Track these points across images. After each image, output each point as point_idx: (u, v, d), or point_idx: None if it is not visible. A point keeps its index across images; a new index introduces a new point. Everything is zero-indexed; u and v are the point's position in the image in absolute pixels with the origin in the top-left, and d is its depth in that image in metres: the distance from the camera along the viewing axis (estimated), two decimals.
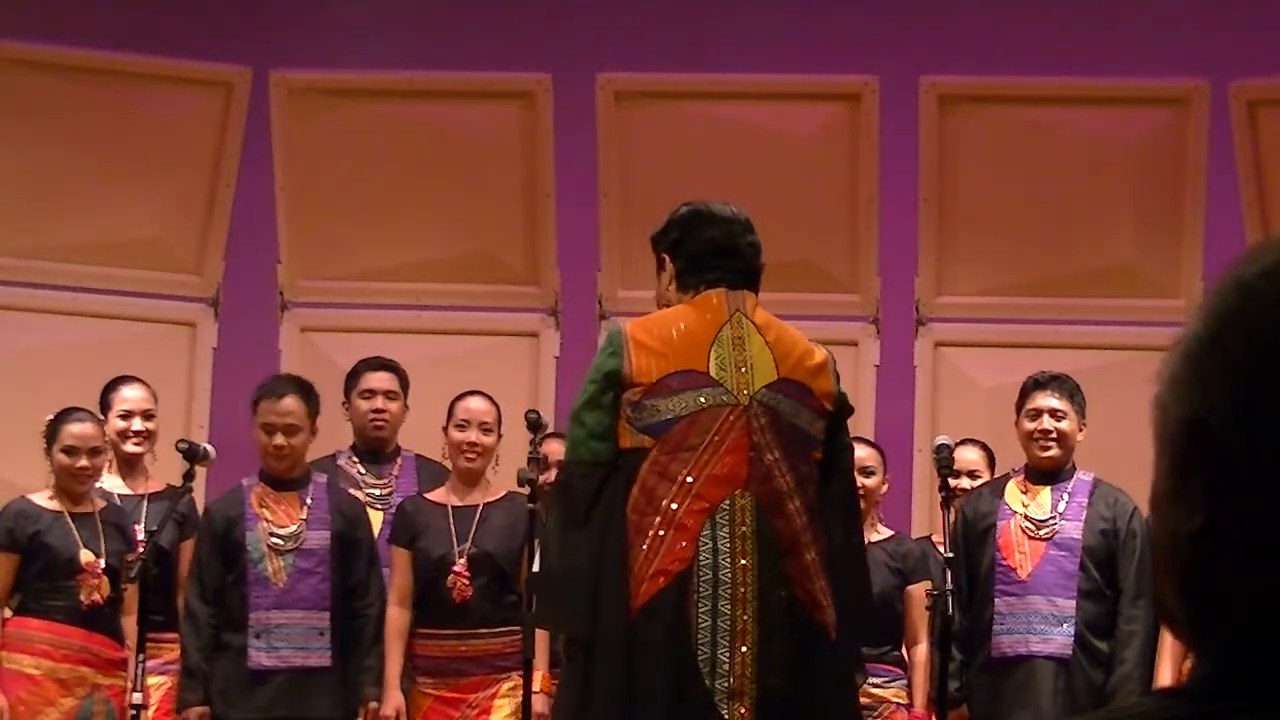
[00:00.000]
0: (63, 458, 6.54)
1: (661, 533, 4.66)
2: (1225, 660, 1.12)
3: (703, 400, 4.76)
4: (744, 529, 4.68)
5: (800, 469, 4.77)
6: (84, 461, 6.54)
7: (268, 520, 6.49)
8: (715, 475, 4.70)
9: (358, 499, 6.85)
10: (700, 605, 4.63)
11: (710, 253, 4.95)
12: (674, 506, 4.67)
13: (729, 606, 4.64)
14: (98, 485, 6.71)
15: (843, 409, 4.95)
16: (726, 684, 4.60)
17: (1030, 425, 6.58)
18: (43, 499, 6.59)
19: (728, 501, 4.69)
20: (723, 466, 4.71)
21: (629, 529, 4.69)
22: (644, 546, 4.66)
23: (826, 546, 4.77)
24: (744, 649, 4.62)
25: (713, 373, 4.79)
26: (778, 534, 4.69)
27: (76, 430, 6.56)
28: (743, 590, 4.65)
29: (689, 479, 4.69)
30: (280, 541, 6.47)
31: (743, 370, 4.80)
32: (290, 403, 6.59)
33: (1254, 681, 1.11)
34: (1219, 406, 1.12)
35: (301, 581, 6.44)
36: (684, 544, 4.65)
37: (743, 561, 4.66)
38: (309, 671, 6.40)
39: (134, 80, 8.61)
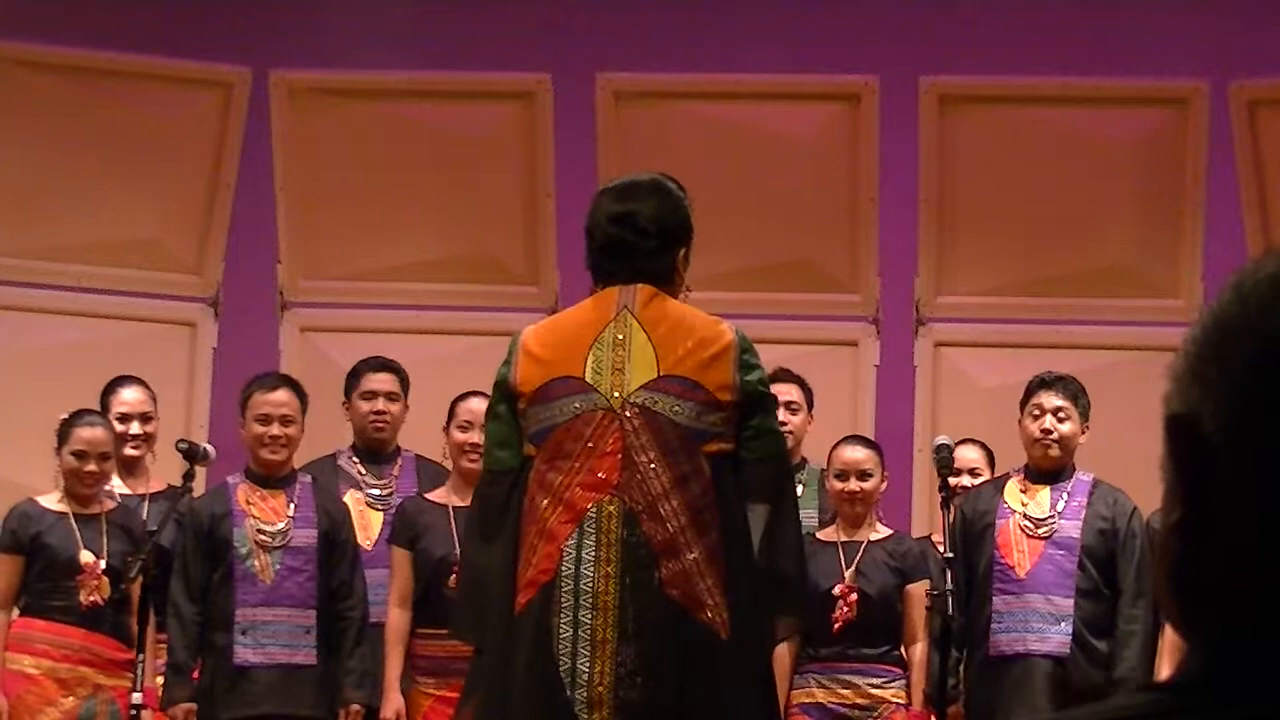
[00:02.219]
0: (72, 460, 6.53)
1: (535, 542, 4.61)
2: (1209, 656, 1.16)
3: (577, 407, 4.65)
4: (610, 536, 4.57)
5: (681, 466, 4.61)
6: (93, 466, 6.54)
7: (255, 517, 6.50)
8: (585, 482, 4.60)
9: (343, 501, 6.85)
10: (562, 615, 4.56)
11: (599, 248, 4.81)
12: (548, 515, 4.61)
13: (590, 616, 4.55)
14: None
15: (750, 396, 4.71)
16: (585, 694, 4.53)
17: (1033, 425, 6.59)
18: (50, 500, 6.59)
19: (595, 509, 4.59)
20: (594, 473, 4.60)
21: (520, 538, 4.65)
22: (525, 556, 4.62)
23: (719, 542, 4.62)
24: (603, 658, 4.54)
25: (588, 377, 4.67)
26: (647, 538, 4.56)
27: (88, 435, 6.56)
28: (606, 599, 4.55)
29: (562, 487, 4.61)
30: (268, 538, 6.47)
31: (619, 372, 4.67)
32: (285, 394, 6.66)
33: (1237, 677, 1.13)
34: (1209, 406, 1.16)
35: (289, 579, 6.45)
36: (550, 553, 4.58)
37: (607, 569, 4.56)
38: (295, 669, 6.40)
39: (134, 80, 8.61)
